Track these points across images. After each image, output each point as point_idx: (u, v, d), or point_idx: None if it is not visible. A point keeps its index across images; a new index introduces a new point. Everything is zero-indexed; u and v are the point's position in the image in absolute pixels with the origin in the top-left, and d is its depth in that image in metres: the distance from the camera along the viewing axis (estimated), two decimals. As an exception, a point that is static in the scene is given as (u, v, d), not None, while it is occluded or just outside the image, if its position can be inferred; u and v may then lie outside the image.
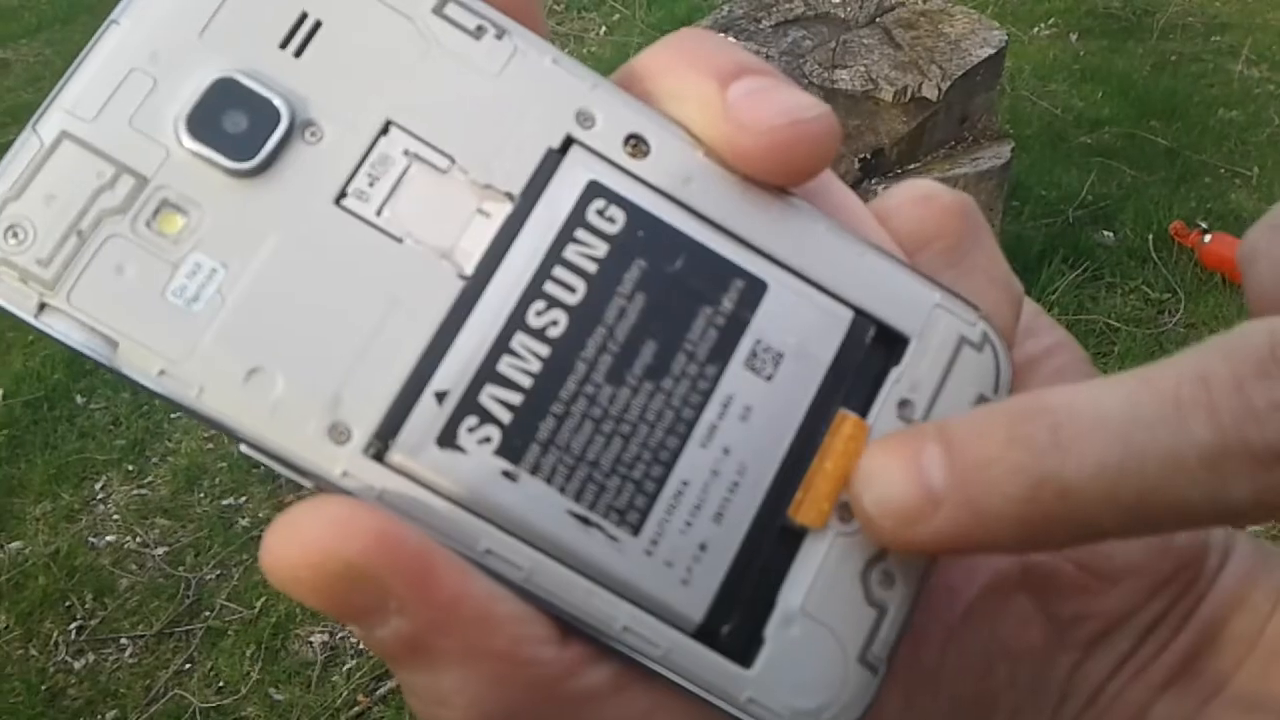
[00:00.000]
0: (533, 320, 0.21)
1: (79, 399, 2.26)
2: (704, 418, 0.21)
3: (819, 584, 0.21)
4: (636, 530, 0.21)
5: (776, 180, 0.22)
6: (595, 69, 0.23)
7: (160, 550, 1.95)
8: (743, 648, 0.21)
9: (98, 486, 2.08)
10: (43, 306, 0.20)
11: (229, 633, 1.81)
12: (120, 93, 0.21)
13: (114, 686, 1.75)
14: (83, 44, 0.21)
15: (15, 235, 0.20)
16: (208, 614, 1.84)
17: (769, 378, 0.22)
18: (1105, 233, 2.44)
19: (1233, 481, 0.17)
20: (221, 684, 1.74)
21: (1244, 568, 0.27)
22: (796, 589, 0.21)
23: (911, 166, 2.12)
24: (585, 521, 0.21)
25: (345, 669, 1.73)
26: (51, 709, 1.72)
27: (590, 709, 0.20)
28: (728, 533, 0.21)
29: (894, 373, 0.23)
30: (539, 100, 0.22)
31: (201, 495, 2.04)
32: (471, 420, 0.20)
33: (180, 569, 1.91)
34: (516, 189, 0.21)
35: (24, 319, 0.20)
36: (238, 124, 0.21)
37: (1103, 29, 3.24)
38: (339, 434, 0.20)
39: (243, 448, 0.20)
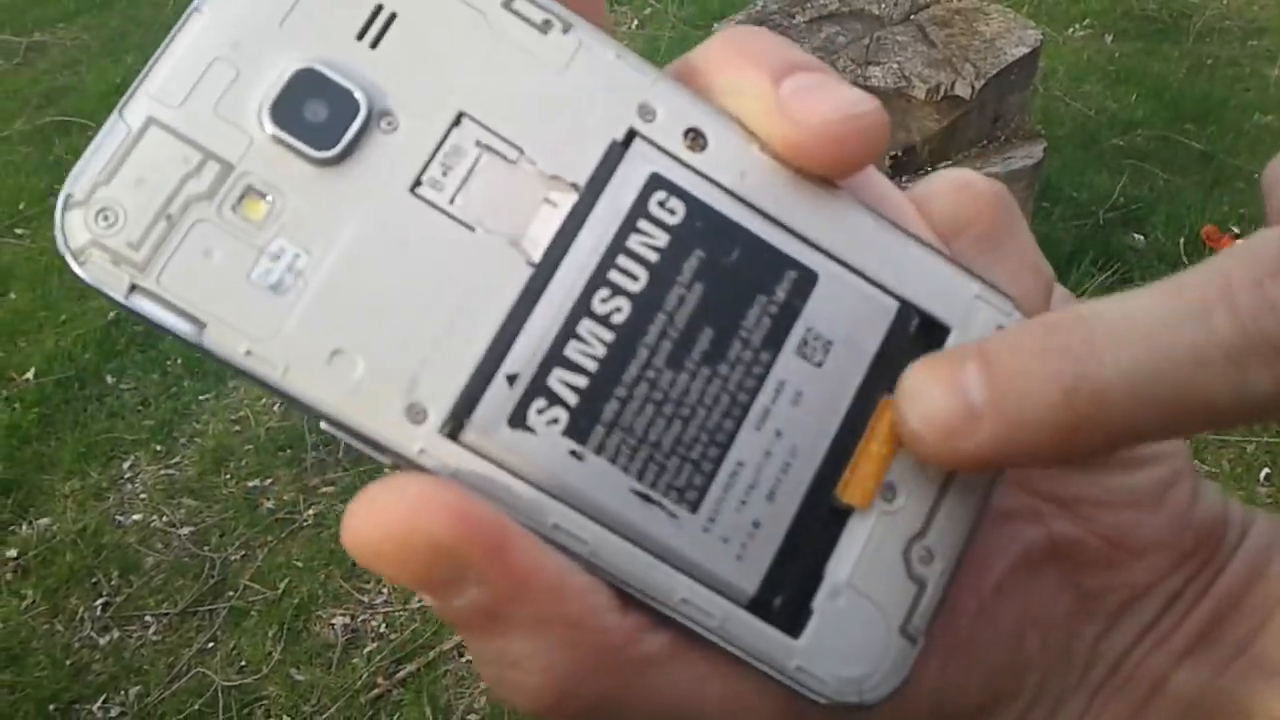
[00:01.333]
0: (598, 307, 0.22)
1: (109, 379, 2.29)
2: (758, 402, 0.22)
3: (864, 559, 0.22)
4: (695, 508, 0.22)
5: (828, 173, 0.23)
6: None
7: (186, 530, 1.97)
8: (792, 619, 0.22)
9: (126, 466, 2.11)
10: (133, 288, 0.20)
11: (252, 613, 1.83)
12: (204, 80, 0.21)
13: (137, 663, 1.77)
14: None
15: (106, 218, 0.20)
16: (231, 594, 1.86)
17: (819, 364, 0.23)
18: (1136, 235, 2.42)
19: (1255, 374, 0.18)
20: (243, 663, 1.76)
21: (1262, 542, 0.28)
22: (843, 564, 0.22)
23: (943, 164, 2.11)
24: (647, 499, 0.22)
25: (366, 651, 1.75)
26: (75, 684, 1.74)
27: (648, 674, 0.21)
28: (779, 511, 0.22)
29: None
30: (603, 94, 0.23)
31: (228, 477, 2.06)
32: (540, 402, 0.21)
33: (205, 549, 1.93)
34: (582, 180, 0.22)
35: (115, 299, 0.20)
36: (318, 113, 0.21)
37: (1138, 31, 3.21)
38: (416, 414, 0.21)
39: (323, 425, 0.21)
